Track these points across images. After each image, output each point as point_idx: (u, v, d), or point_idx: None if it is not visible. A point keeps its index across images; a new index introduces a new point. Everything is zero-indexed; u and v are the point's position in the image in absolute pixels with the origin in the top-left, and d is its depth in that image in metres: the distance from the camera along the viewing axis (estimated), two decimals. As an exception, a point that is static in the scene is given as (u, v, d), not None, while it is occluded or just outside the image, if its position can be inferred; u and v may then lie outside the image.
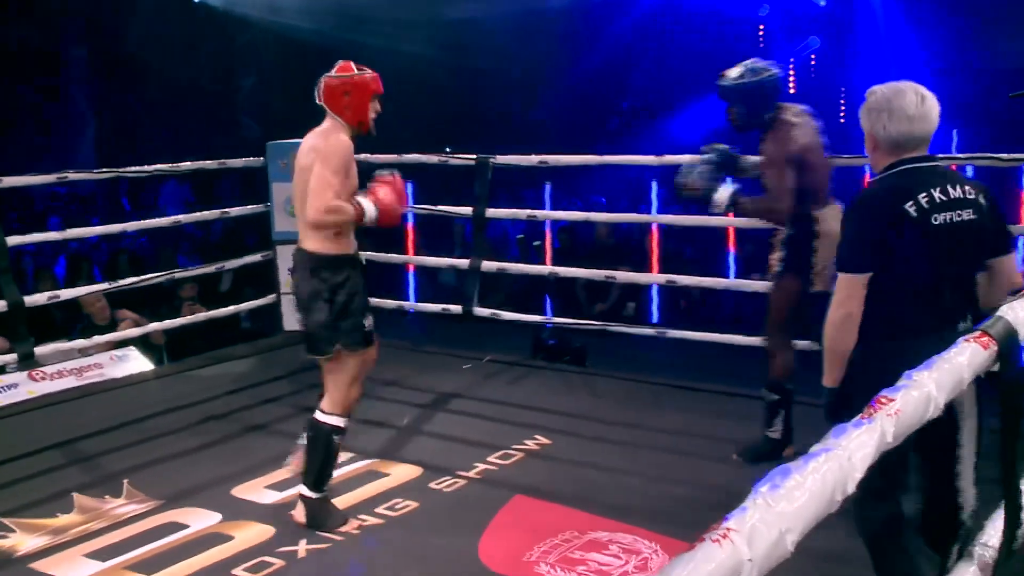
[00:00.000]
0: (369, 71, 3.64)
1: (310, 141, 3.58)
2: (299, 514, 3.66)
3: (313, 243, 3.55)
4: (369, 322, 3.67)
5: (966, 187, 2.60)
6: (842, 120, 13.67)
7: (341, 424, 3.63)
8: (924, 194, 2.55)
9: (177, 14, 14.02)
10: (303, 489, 3.66)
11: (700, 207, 4.35)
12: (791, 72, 15.26)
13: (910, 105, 2.59)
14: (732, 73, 3.94)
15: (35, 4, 14.08)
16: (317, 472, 3.63)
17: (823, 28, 15.11)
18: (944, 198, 2.56)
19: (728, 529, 1.00)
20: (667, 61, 15.30)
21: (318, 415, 3.64)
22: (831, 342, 2.64)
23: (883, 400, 1.40)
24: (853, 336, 2.60)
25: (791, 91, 15.09)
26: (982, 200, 2.62)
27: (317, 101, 3.61)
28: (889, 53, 14.15)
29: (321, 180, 3.41)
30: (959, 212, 2.56)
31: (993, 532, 1.78)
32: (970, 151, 5.12)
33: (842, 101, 15.12)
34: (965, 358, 1.61)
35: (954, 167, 3.90)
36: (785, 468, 1.15)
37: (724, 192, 3.95)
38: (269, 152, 6.16)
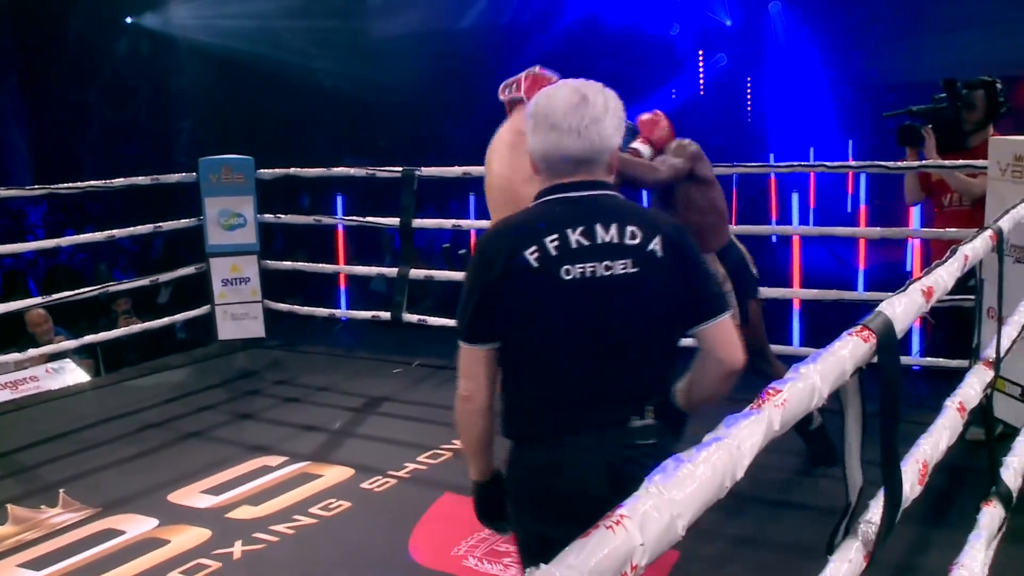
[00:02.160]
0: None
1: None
2: None
3: None
4: None
5: (630, 228, 1.84)
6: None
7: None
8: (555, 236, 1.81)
9: (109, 35, 13.72)
10: None
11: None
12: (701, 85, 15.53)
13: (557, 111, 1.85)
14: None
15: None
16: None
17: (730, 46, 15.44)
18: (585, 242, 1.82)
19: (621, 516, 1.02)
20: (586, 76, 15.45)
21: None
22: (458, 430, 2.01)
23: (771, 392, 1.44)
24: (483, 423, 1.95)
25: (701, 90, 15.37)
26: (655, 246, 1.84)
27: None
28: (791, 69, 14.53)
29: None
30: (608, 263, 1.82)
31: (875, 510, 1.84)
32: (866, 159, 5.29)
33: (749, 110, 15.46)
34: (847, 351, 1.66)
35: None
36: (677, 457, 1.18)
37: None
38: (201, 167, 6.07)
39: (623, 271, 1.82)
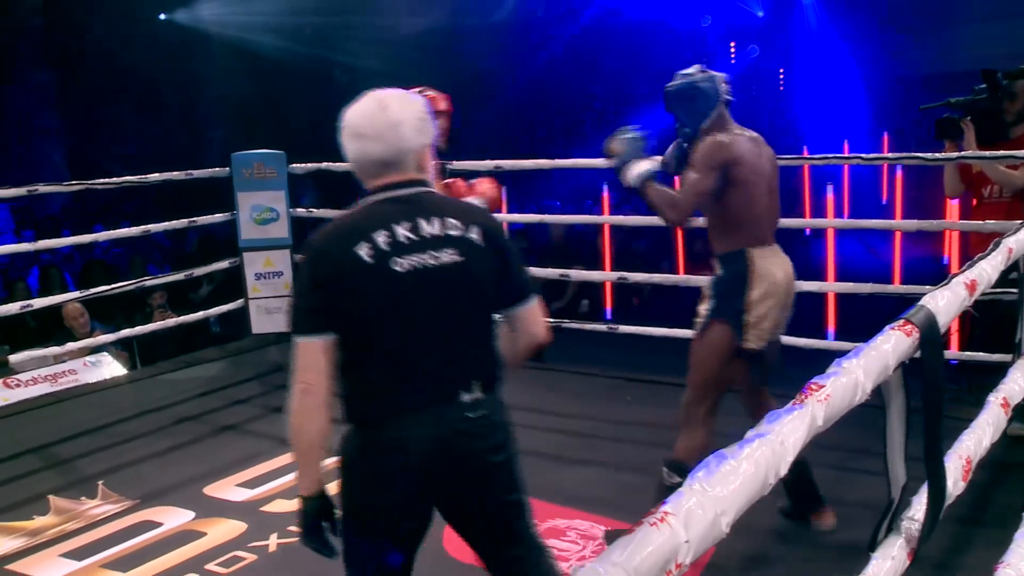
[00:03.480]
0: (428, 92, 3.79)
1: None
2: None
3: None
4: None
5: (450, 220, 2.02)
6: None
7: None
8: (384, 232, 1.97)
9: (144, 33, 13.84)
10: None
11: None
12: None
13: (358, 121, 2.04)
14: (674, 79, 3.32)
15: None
16: None
17: (762, 38, 15.30)
18: (413, 237, 1.98)
19: (666, 513, 1.01)
20: (615, 70, 15.39)
21: None
22: (291, 431, 2.01)
23: (813, 387, 1.42)
24: (319, 420, 1.98)
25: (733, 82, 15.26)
26: (474, 236, 2.03)
27: None
28: (825, 60, 14.37)
29: None
30: (435, 253, 1.98)
31: (918, 507, 1.81)
32: (901, 152, 5.21)
33: (781, 102, 15.29)
34: (890, 346, 1.63)
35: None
36: (720, 454, 1.16)
37: (640, 167, 3.18)
38: (234, 162, 6.10)
39: (450, 259, 2.00)
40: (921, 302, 1.80)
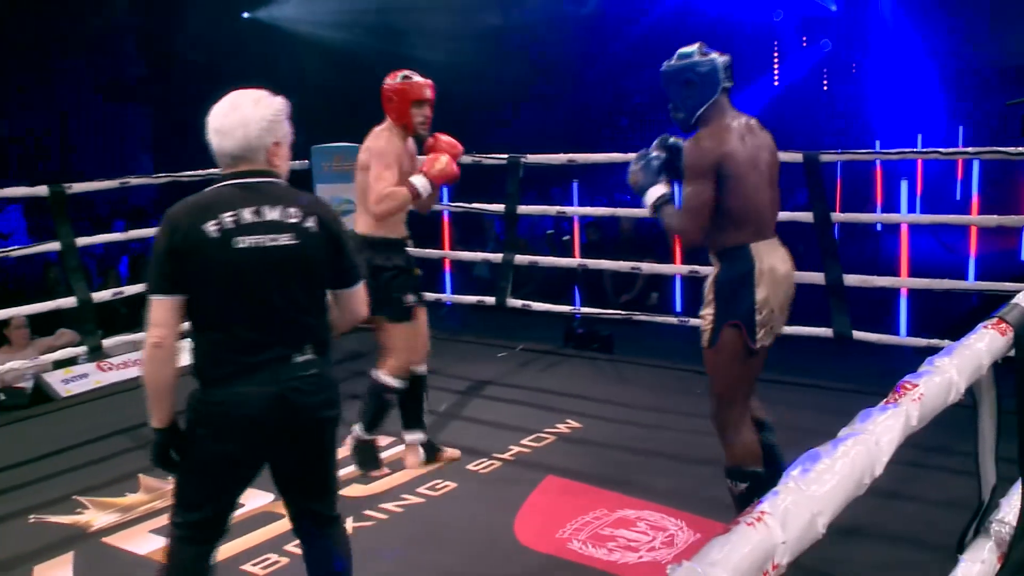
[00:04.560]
0: (415, 78, 3.89)
1: (366, 142, 3.88)
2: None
3: (361, 227, 3.86)
4: (410, 299, 3.91)
5: (292, 209, 2.26)
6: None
7: (393, 384, 3.88)
8: (230, 213, 2.21)
9: (228, 29, 14.09)
10: (357, 430, 3.94)
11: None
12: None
13: (215, 118, 2.29)
14: (672, 59, 3.09)
15: (93, 22, 14.05)
16: (370, 418, 3.93)
17: (834, 31, 14.93)
18: (255, 219, 2.23)
19: (762, 512, 0.97)
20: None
21: (375, 373, 3.91)
22: (145, 377, 2.26)
23: (907, 385, 1.36)
24: (169, 368, 2.23)
25: (804, 77, 14.85)
26: (310, 224, 2.28)
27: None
28: (898, 53, 13.96)
29: (375, 175, 3.72)
30: (273, 236, 2.23)
31: (1009, 509, 1.73)
32: (977, 146, 5.03)
33: (854, 96, 14.91)
34: (984, 344, 1.56)
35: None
36: (815, 453, 1.12)
37: (652, 193, 3.06)
38: (313, 155, 6.17)
39: (286, 242, 2.24)
40: (1015, 300, 1.72)
